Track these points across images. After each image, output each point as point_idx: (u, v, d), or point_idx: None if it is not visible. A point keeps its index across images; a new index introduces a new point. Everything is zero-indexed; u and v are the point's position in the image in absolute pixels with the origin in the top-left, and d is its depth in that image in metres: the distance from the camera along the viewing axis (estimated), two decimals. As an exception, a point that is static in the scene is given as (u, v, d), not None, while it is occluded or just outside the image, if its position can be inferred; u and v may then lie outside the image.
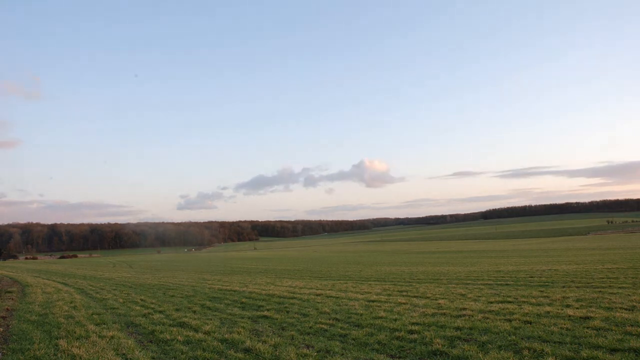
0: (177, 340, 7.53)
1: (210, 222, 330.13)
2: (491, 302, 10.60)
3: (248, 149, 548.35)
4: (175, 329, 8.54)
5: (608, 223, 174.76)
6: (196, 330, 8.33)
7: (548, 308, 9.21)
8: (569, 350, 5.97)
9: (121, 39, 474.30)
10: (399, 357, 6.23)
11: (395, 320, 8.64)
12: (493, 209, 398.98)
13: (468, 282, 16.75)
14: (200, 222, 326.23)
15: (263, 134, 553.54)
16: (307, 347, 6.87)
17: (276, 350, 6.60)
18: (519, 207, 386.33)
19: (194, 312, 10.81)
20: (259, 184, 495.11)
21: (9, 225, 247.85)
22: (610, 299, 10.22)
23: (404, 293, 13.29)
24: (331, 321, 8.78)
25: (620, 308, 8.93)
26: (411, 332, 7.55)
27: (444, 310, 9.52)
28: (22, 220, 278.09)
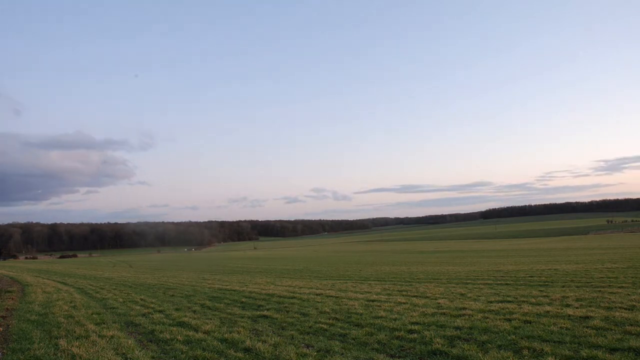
0: (177, 339, 7.52)
1: (210, 222, 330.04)
2: (491, 302, 10.60)
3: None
4: (175, 328, 8.53)
5: (608, 223, 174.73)
6: (196, 330, 8.32)
7: (548, 307, 9.22)
8: (569, 350, 5.97)
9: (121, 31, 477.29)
10: (399, 357, 6.23)
11: (395, 319, 8.64)
12: (493, 209, 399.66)
13: (468, 281, 16.75)
14: (200, 222, 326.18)
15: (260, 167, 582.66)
16: (307, 346, 6.87)
17: (276, 350, 6.60)
18: (518, 206, 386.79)
19: (194, 311, 10.81)
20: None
21: (9, 225, 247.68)
22: (609, 299, 10.22)
23: (404, 293, 13.28)
24: (331, 321, 8.77)
25: (620, 307, 8.93)
26: (411, 331, 7.55)
27: (444, 310, 9.53)
28: (22, 220, 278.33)
